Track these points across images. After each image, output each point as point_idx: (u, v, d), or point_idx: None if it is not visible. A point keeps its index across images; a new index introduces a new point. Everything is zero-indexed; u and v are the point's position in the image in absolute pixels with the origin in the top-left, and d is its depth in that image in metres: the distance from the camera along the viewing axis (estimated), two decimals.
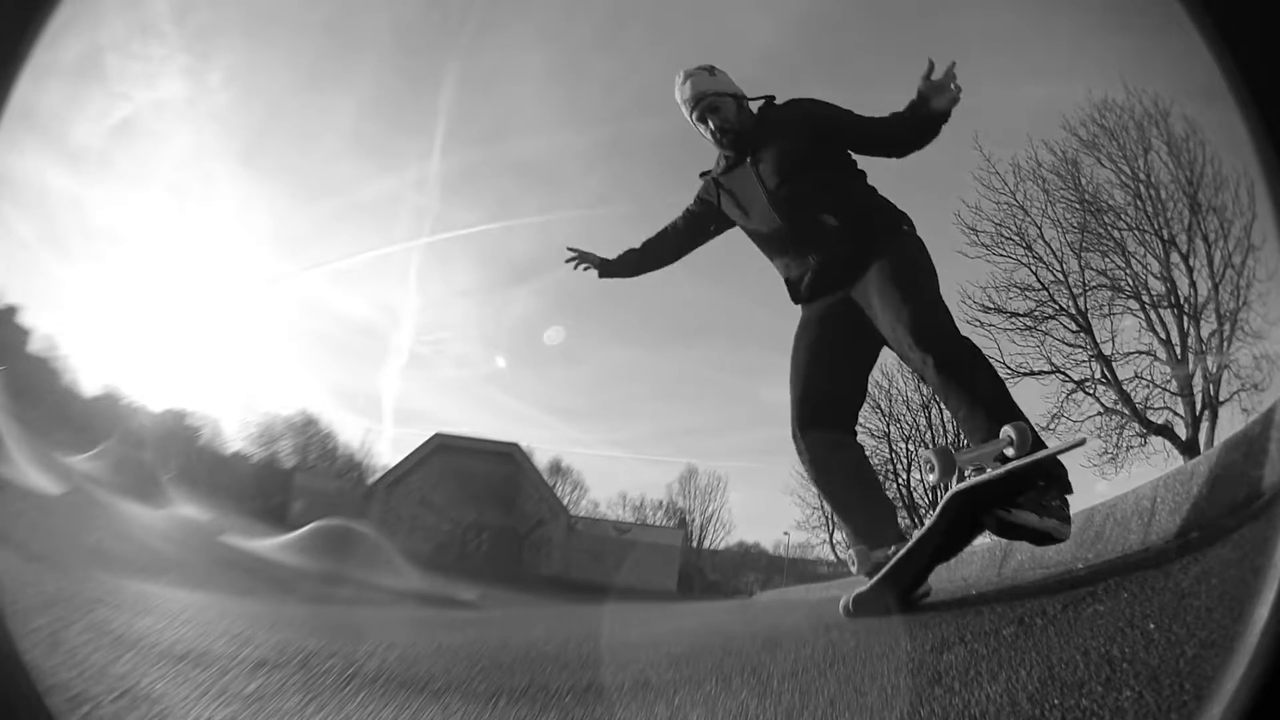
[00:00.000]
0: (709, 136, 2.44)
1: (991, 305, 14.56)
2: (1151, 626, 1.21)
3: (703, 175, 2.60)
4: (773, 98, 2.49)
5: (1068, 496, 1.96)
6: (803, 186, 2.32)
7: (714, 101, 2.40)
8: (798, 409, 2.34)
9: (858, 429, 2.42)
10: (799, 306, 2.47)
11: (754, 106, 2.48)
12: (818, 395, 2.33)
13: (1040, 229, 14.35)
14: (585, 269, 2.71)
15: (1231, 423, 11.51)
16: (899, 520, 2.31)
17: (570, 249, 2.72)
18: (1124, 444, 13.10)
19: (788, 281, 2.46)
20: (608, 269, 2.71)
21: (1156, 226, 12.92)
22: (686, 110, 2.45)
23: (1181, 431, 12.39)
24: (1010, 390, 2.13)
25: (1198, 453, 11.06)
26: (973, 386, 2.08)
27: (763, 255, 2.53)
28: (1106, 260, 13.75)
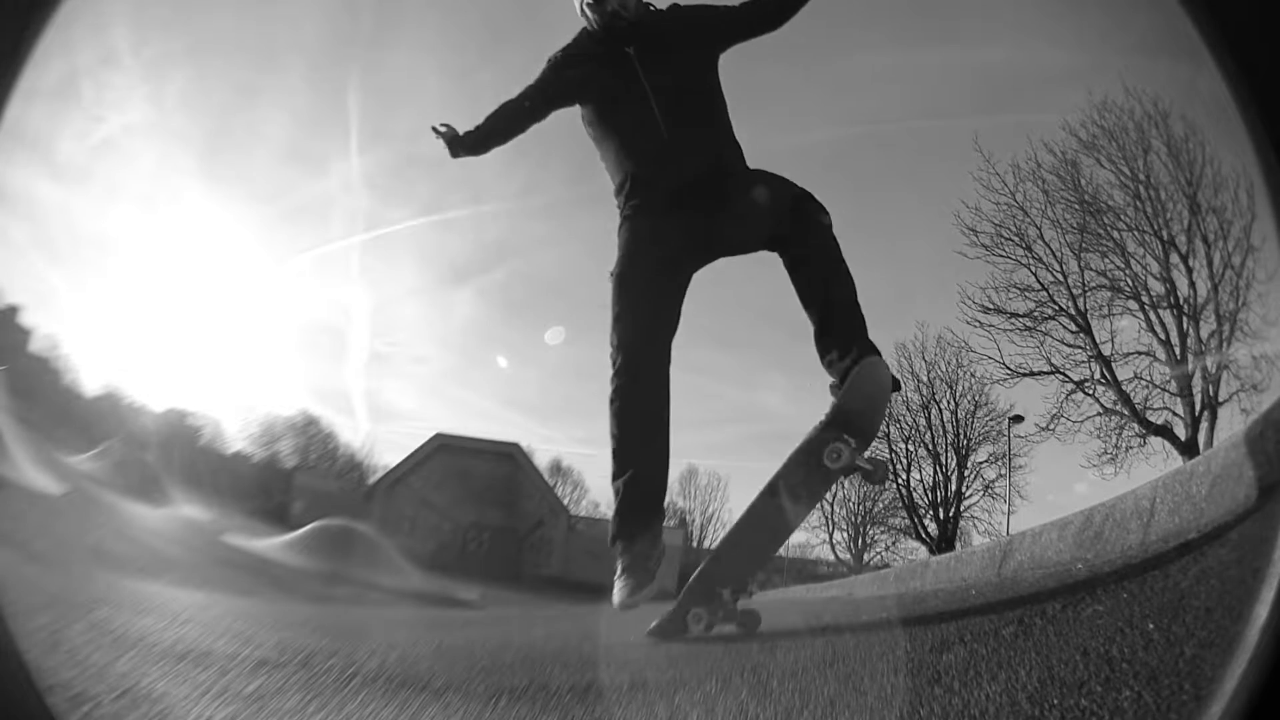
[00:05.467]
0: (593, 19, 2.42)
1: (991, 306, 14.55)
2: (1151, 626, 1.21)
3: (563, 53, 2.54)
4: None
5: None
6: (688, 99, 2.38)
7: None
8: (642, 351, 2.29)
9: None
10: (629, 206, 2.42)
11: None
12: (661, 342, 2.32)
13: (1040, 230, 14.35)
14: (437, 137, 2.64)
15: (1231, 423, 11.52)
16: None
17: (433, 128, 2.64)
18: (1123, 444, 13.11)
19: (634, 179, 2.40)
20: (458, 147, 2.64)
21: (1156, 227, 12.93)
22: None
23: (1181, 432, 12.40)
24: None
25: (1197, 453, 11.06)
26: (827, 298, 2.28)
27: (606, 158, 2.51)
28: (1106, 261, 13.76)
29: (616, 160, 2.45)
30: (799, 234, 2.33)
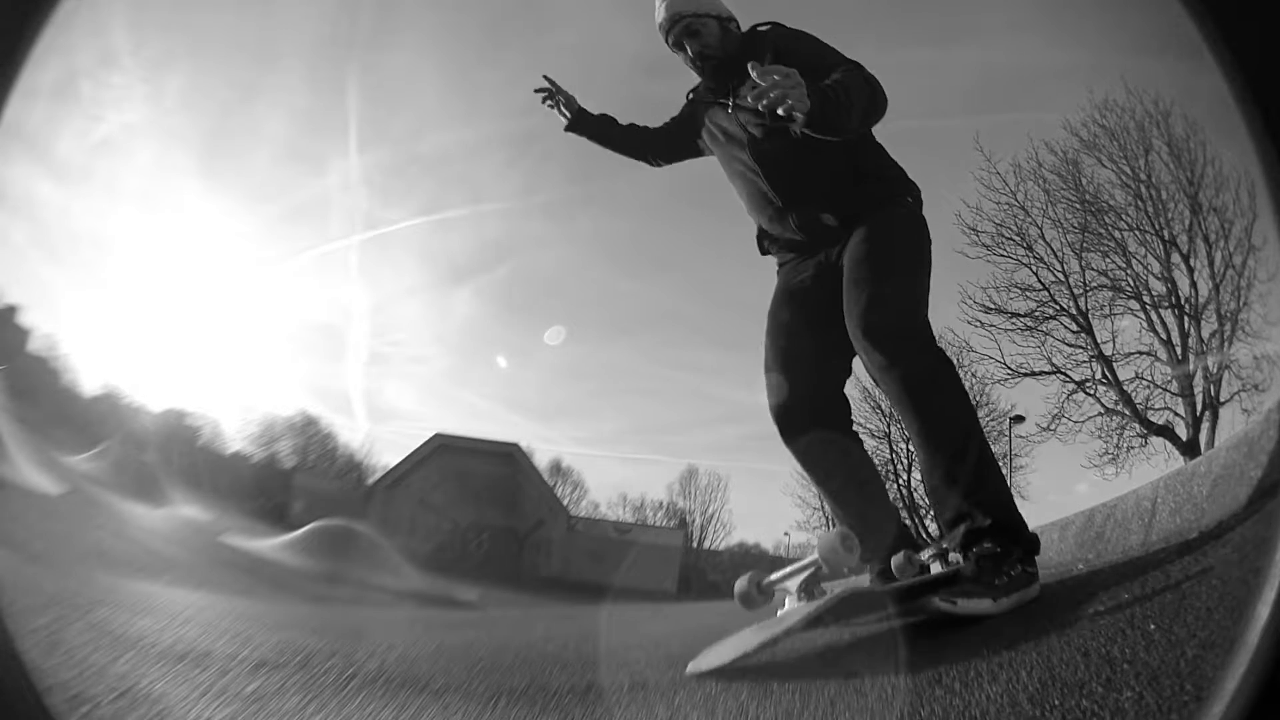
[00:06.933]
0: (688, 64, 2.24)
1: (992, 306, 14.54)
2: (1152, 627, 1.21)
3: (688, 96, 2.38)
4: (764, 25, 2.25)
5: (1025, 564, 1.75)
6: (788, 140, 2.06)
7: (692, 24, 2.17)
8: (779, 411, 2.11)
9: (854, 424, 2.19)
10: (774, 264, 2.30)
11: (742, 30, 2.26)
12: (801, 390, 2.09)
13: (1041, 229, 14.37)
14: (550, 105, 2.44)
15: (1232, 423, 11.53)
16: (895, 527, 2.10)
17: (546, 78, 2.44)
18: (1124, 444, 13.11)
19: (761, 234, 2.29)
20: (580, 124, 2.45)
21: (1157, 227, 12.95)
22: (663, 35, 2.24)
23: (1182, 432, 12.40)
24: (976, 426, 1.89)
25: (1198, 453, 11.06)
26: (926, 423, 1.85)
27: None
28: (1107, 260, 13.78)
29: (748, 210, 2.31)
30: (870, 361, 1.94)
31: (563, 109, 2.45)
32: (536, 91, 2.45)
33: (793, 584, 1.73)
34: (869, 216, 2.06)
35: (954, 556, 1.80)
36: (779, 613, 1.72)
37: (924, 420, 1.86)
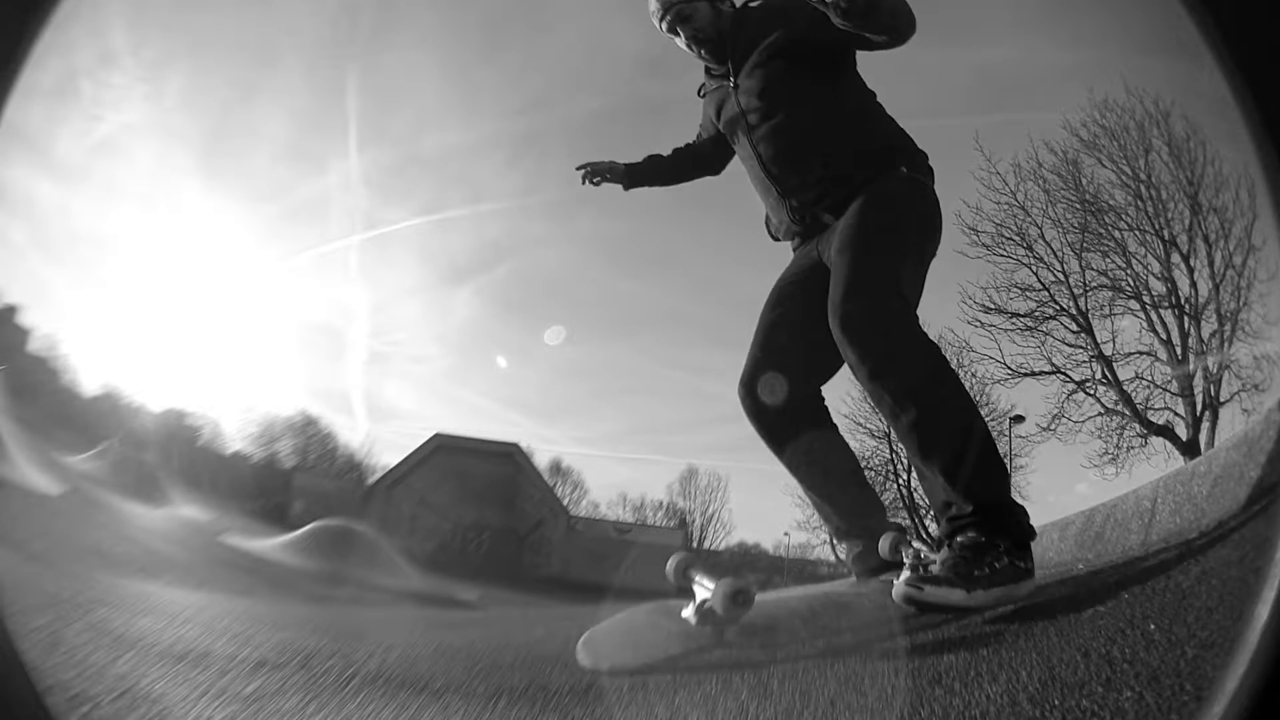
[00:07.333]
0: (687, 50, 2.24)
1: (992, 306, 14.55)
2: (1152, 627, 1.21)
3: (700, 93, 2.37)
4: (756, 1, 2.22)
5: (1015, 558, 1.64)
6: (782, 119, 2.05)
7: (683, 9, 2.17)
8: (757, 412, 2.08)
9: (830, 413, 2.14)
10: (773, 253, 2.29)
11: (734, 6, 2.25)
12: (783, 390, 2.04)
13: (1041, 229, 14.37)
14: (599, 182, 2.41)
15: (1232, 423, 11.54)
16: (882, 519, 2.06)
17: (580, 168, 2.40)
18: (1124, 444, 13.12)
19: (767, 220, 2.28)
20: (634, 180, 2.44)
21: (1157, 227, 12.95)
22: (656, 22, 2.23)
23: (1182, 432, 12.40)
24: (963, 422, 1.76)
25: (1198, 453, 11.06)
26: (906, 420, 1.75)
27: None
28: (1107, 260, 13.79)
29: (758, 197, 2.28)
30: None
31: (613, 178, 2.43)
32: (583, 182, 2.42)
33: (699, 594, 1.74)
34: (858, 196, 1.99)
35: (935, 563, 1.72)
36: (683, 612, 1.75)
37: (903, 419, 1.76)
